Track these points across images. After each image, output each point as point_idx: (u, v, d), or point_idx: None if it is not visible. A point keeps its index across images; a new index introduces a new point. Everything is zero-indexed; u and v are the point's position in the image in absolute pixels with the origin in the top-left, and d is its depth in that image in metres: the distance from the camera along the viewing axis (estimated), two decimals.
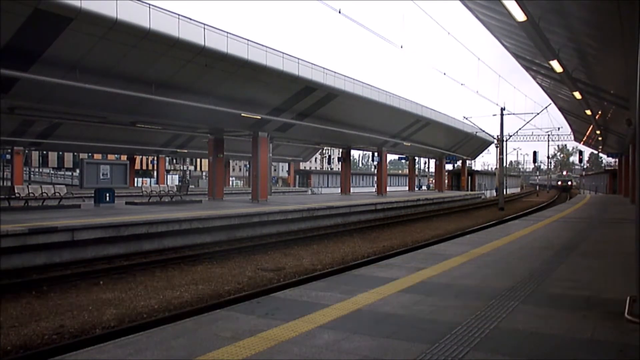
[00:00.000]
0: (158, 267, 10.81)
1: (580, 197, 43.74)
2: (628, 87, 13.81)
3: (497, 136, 32.23)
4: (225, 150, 25.11)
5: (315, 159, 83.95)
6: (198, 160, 74.80)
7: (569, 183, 70.45)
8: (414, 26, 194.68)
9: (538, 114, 32.81)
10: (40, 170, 56.58)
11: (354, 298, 5.47)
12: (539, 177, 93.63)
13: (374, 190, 38.96)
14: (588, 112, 21.84)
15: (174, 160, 70.53)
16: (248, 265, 11.14)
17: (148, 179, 59.15)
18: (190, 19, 14.65)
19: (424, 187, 61.34)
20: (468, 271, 7.16)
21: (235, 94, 18.58)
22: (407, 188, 49.94)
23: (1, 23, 11.20)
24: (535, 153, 45.51)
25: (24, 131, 26.88)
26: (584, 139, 44.15)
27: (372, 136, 29.19)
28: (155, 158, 46.26)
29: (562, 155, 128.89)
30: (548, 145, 74.25)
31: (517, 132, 37.78)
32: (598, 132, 30.69)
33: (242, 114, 19.19)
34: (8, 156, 36.56)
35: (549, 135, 55.53)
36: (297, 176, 57.36)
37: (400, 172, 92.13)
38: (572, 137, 50.40)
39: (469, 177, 53.28)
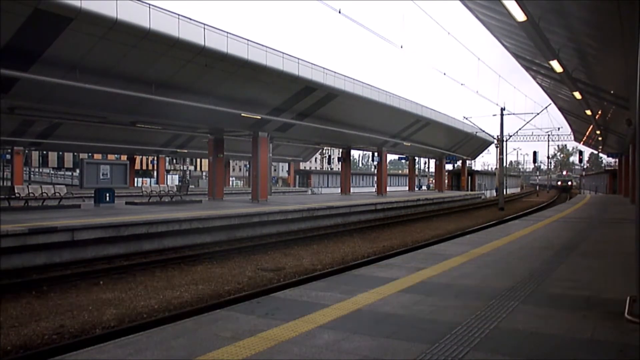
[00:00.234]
0: (158, 267, 10.81)
1: (580, 197, 43.74)
2: (628, 87, 13.82)
3: (497, 136, 32.24)
4: (225, 150, 25.11)
5: (315, 159, 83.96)
6: (198, 160, 74.80)
7: (569, 183, 70.41)
8: (414, 26, 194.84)
9: (538, 114, 32.85)
10: (40, 170, 56.58)
11: (354, 298, 5.47)
12: (539, 177, 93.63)
13: (374, 190, 38.96)
14: (588, 112, 21.85)
15: (174, 160, 70.53)
16: (248, 265, 11.14)
17: (148, 179, 59.14)
18: (190, 19, 14.65)
19: (424, 187, 61.35)
20: (468, 271, 7.16)
21: (235, 94, 18.58)
22: (407, 188, 49.95)
23: (1, 23, 11.20)
24: (535, 153, 45.53)
25: (24, 131, 26.88)
26: (584, 139, 44.15)
27: (372, 136, 29.19)
28: (155, 158, 46.26)
29: (562, 155, 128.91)
30: (548, 145, 74.36)
31: (517, 132, 37.81)
32: (598, 132, 30.70)
33: (242, 114, 19.19)
34: (8, 156, 36.56)
35: (549, 135, 55.58)
36: (297, 176, 57.34)
37: (400, 172, 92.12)
38: (572, 137, 50.40)
39: (469, 177, 53.28)
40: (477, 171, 61.37)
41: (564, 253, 9.00)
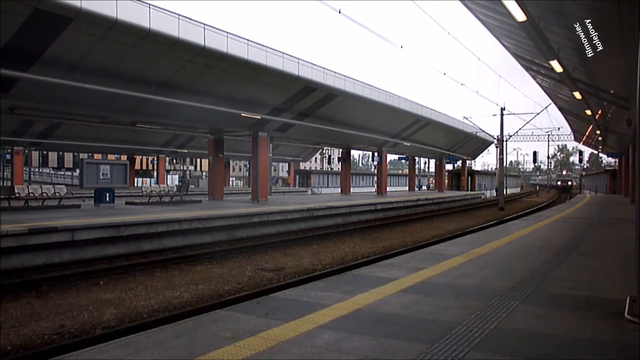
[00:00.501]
0: (158, 267, 10.80)
1: (580, 197, 43.74)
2: (628, 87, 13.82)
3: (497, 136, 32.24)
4: (225, 150, 25.11)
5: (315, 159, 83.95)
6: (198, 160, 74.79)
7: (569, 183, 70.40)
8: (414, 26, 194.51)
9: (538, 114, 32.86)
10: (40, 170, 56.56)
11: (354, 298, 5.47)
12: (539, 177, 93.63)
13: (374, 190, 38.96)
14: (588, 112, 21.85)
15: (174, 160, 70.52)
16: (248, 265, 11.14)
17: (148, 179, 59.13)
18: (190, 19, 14.65)
19: (424, 187, 61.33)
20: (468, 271, 7.16)
21: (235, 94, 18.58)
22: (407, 188, 49.95)
23: (1, 23, 11.20)
24: (535, 153, 45.56)
25: (24, 131, 26.88)
26: (584, 139, 44.15)
27: (372, 136, 29.19)
28: (155, 158, 46.26)
29: (562, 155, 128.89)
30: (548, 145, 74.24)
31: (517, 132, 37.80)
32: (598, 132, 30.69)
33: (242, 114, 19.19)
34: (8, 156, 36.56)
35: (549, 135, 55.56)
36: (297, 176, 57.34)
37: (400, 172, 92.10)
38: (572, 137, 50.40)
39: (469, 177, 53.28)
40: (477, 171, 61.38)
41: (564, 253, 9.00)
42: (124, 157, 43.39)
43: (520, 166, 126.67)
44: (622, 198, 33.91)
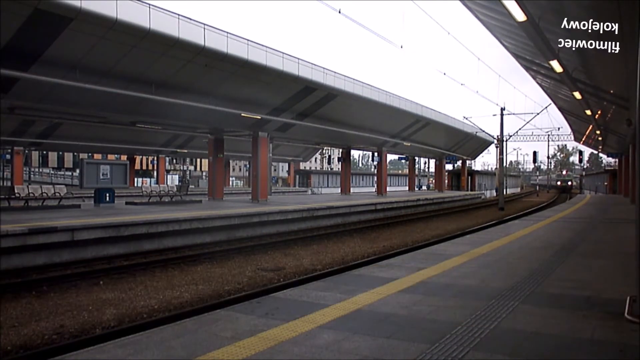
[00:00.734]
0: (158, 267, 10.80)
1: (580, 197, 43.75)
2: (628, 87, 13.82)
3: (497, 136, 32.23)
4: (225, 150, 25.08)
5: (315, 159, 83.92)
6: (198, 160, 74.73)
7: (569, 183, 70.35)
8: (414, 26, 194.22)
9: (538, 114, 32.88)
10: (40, 170, 56.53)
11: (354, 298, 5.47)
12: (539, 177, 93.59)
13: (374, 190, 38.95)
14: (588, 112, 21.85)
15: (174, 160, 70.48)
16: (248, 265, 11.14)
17: (148, 179, 59.11)
18: (190, 19, 14.65)
19: (424, 187, 61.32)
20: (468, 271, 7.16)
21: (235, 94, 18.58)
22: (407, 188, 49.91)
23: (1, 23, 11.20)
24: (535, 153, 45.54)
25: (24, 131, 26.86)
26: (583, 139, 44.14)
27: (372, 136, 29.18)
28: (155, 158, 46.23)
29: (562, 155, 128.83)
30: (548, 145, 74.12)
31: (517, 132, 37.81)
32: (598, 132, 30.70)
33: (242, 114, 19.19)
34: (8, 156, 36.54)
35: (549, 135, 55.48)
36: (297, 176, 57.27)
37: (400, 172, 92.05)
38: (572, 137, 50.37)
39: (469, 177, 53.25)
40: (477, 171, 61.33)
41: (564, 253, 9.00)
42: (124, 157, 43.37)
43: (520, 166, 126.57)
44: (622, 198, 33.90)
